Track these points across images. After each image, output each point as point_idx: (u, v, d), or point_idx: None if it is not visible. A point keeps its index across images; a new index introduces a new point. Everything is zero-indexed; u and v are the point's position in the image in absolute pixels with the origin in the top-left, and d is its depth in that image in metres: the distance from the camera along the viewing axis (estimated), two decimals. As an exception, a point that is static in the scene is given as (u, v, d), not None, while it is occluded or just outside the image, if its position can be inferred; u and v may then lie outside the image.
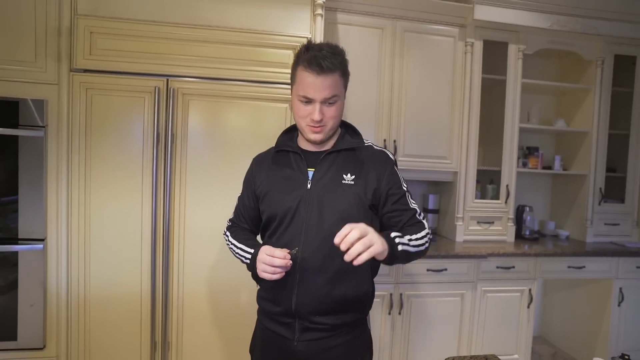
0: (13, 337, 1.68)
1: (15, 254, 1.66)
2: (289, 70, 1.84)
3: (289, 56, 1.80)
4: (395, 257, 0.91)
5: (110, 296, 1.73)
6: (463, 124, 2.43)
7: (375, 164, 1.05)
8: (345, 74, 1.02)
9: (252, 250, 1.03)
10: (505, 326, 2.26)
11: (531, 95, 2.78)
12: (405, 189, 1.07)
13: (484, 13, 2.30)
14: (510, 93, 2.47)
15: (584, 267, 2.35)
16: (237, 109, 1.78)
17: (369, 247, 0.80)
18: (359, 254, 0.80)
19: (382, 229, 1.05)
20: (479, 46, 2.40)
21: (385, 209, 1.04)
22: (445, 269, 2.16)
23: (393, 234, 0.92)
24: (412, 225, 1.02)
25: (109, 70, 1.68)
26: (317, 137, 1.01)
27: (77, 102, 1.66)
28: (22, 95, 1.64)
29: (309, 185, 1.02)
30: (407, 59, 2.34)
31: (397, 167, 1.09)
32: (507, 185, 2.50)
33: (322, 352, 1.02)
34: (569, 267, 2.35)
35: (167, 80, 1.71)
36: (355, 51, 2.23)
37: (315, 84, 0.96)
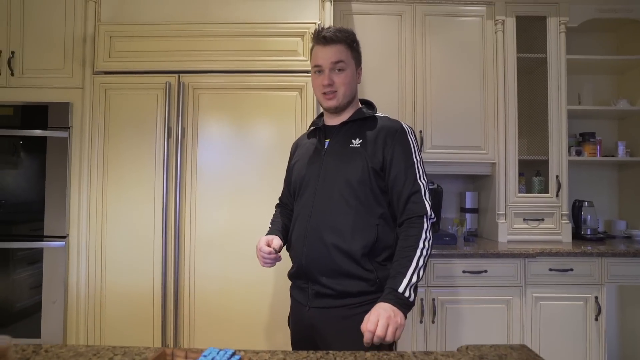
0: (37, 334, 1.74)
1: (40, 250, 1.74)
2: (298, 58, 1.81)
3: (297, 43, 1.75)
4: (413, 304, 0.94)
5: (124, 296, 1.73)
6: (498, 109, 2.18)
7: (386, 130, 1.08)
8: (352, 48, 1.11)
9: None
10: (568, 342, 1.89)
11: (584, 75, 2.45)
12: (415, 160, 1.06)
13: (513, -14, 2.09)
14: (553, 71, 2.18)
15: (667, 270, 1.92)
16: (247, 100, 1.75)
17: (395, 331, 0.87)
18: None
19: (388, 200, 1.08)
20: (511, 23, 2.17)
21: (390, 177, 1.05)
22: (485, 271, 1.88)
23: (401, 288, 0.92)
24: (411, 217, 1.01)
25: (125, 71, 1.75)
26: (331, 103, 1.10)
27: (97, 102, 1.75)
28: (51, 100, 1.77)
29: (323, 153, 1.12)
30: (430, 45, 2.19)
31: (412, 137, 1.10)
32: (557, 176, 2.17)
33: (330, 321, 1.03)
34: (646, 270, 1.93)
35: (179, 76, 1.74)
36: (373, 41, 2.14)
37: (322, 53, 1.09)
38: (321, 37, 1.07)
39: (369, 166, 1.04)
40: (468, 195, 2.42)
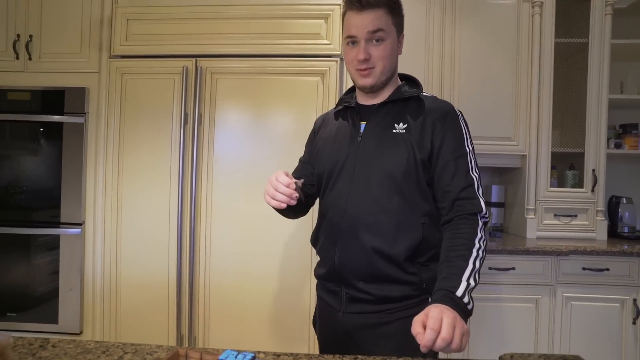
0: (54, 320, 1.74)
1: (57, 237, 1.74)
2: (321, 42, 1.71)
3: (320, 26, 1.66)
4: (470, 313, 0.76)
5: (139, 285, 1.71)
6: (531, 99, 2.04)
7: (434, 113, 0.92)
8: (394, 12, 0.93)
9: None
10: (602, 345, 1.79)
11: (628, 62, 2.27)
12: (467, 149, 0.90)
13: (554, -37, 1.93)
14: (595, 57, 2.02)
15: None
16: (266, 85, 1.68)
17: (462, 337, 0.65)
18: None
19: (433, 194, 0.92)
20: (550, 5, 2.01)
21: (437, 168, 0.90)
22: (513, 268, 1.79)
23: (459, 291, 0.74)
24: (462, 214, 0.84)
25: (142, 55, 1.71)
26: (367, 81, 0.93)
27: (113, 87, 1.71)
28: (67, 85, 1.74)
29: (359, 138, 0.96)
30: (459, 29, 2.06)
31: (464, 123, 0.94)
32: (593, 170, 2.03)
33: (366, 328, 0.92)
34: (690, 273, 1.80)
35: (196, 60, 1.68)
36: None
37: (356, 20, 0.90)
38: (356, 2, 0.89)
39: (417, 157, 0.89)
40: (494, 188, 2.30)
